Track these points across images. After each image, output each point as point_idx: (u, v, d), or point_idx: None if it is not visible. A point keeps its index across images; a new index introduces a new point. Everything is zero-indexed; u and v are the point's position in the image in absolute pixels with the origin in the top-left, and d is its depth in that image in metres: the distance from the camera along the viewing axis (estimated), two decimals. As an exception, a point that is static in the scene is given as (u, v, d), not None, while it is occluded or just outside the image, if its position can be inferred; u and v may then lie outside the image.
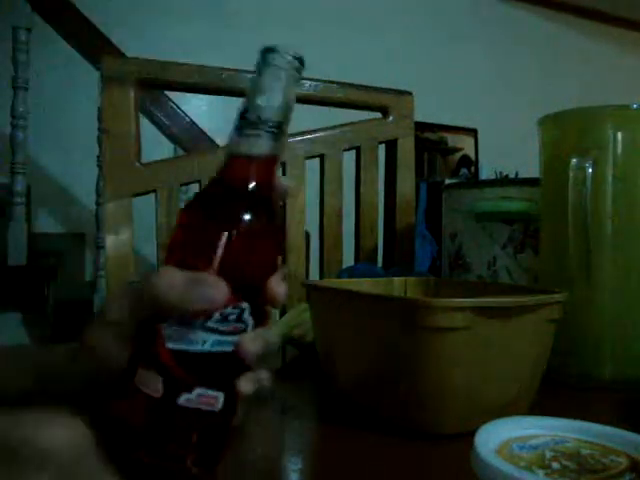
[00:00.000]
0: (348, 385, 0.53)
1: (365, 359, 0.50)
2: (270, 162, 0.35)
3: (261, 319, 0.34)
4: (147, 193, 0.88)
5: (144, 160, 0.88)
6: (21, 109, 1.89)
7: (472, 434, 0.27)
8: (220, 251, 0.32)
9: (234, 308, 0.32)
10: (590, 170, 0.60)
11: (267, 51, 0.36)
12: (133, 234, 0.86)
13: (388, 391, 0.48)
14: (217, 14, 2.78)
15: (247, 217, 0.33)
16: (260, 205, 0.34)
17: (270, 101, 0.35)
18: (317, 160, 1.02)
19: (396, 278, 0.68)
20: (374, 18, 3.19)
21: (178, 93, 1.63)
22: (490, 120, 3.51)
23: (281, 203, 0.37)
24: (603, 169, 0.60)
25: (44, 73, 2.27)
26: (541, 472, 0.24)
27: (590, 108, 0.63)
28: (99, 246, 1.95)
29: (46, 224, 2.45)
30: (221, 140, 1.92)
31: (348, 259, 1.03)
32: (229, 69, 0.93)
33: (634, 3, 3.68)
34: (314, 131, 1.01)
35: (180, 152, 1.90)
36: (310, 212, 1.01)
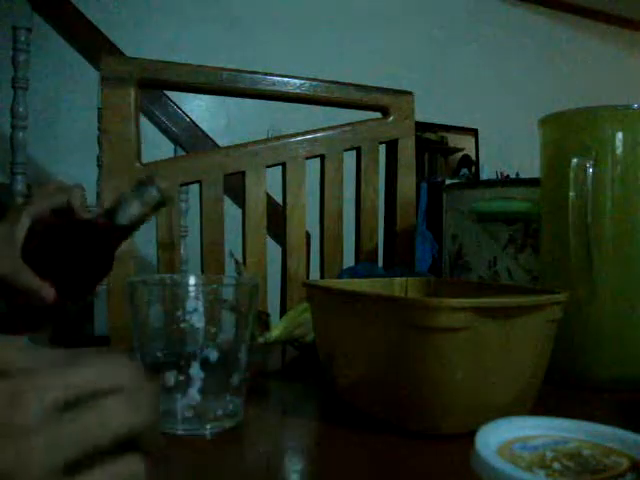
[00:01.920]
0: (348, 385, 0.53)
1: (365, 359, 0.50)
2: (114, 231, 0.62)
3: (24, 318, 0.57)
4: (147, 193, 0.88)
5: (144, 160, 0.89)
6: (21, 109, 1.89)
7: (472, 434, 0.27)
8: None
9: None
10: (590, 170, 0.60)
11: (140, 183, 0.58)
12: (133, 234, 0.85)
13: (388, 391, 0.48)
14: (218, 16, 2.78)
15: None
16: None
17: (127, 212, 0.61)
18: (317, 160, 1.02)
19: (396, 278, 0.68)
20: (374, 18, 3.19)
21: (178, 93, 1.63)
22: (490, 120, 3.51)
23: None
24: (603, 169, 0.60)
25: (44, 73, 2.27)
26: (542, 472, 0.24)
27: (590, 108, 0.63)
28: (99, 246, 1.94)
29: (46, 224, 2.45)
30: (221, 140, 1.92)
31: (348, 259, 1.03)
32: (229, 69, 0.93)
33: (634, 3, 3.68)
34: (314, 131, 1.01)
35: (180, 152, 1.90)
36: (310, 212, 1.01)
